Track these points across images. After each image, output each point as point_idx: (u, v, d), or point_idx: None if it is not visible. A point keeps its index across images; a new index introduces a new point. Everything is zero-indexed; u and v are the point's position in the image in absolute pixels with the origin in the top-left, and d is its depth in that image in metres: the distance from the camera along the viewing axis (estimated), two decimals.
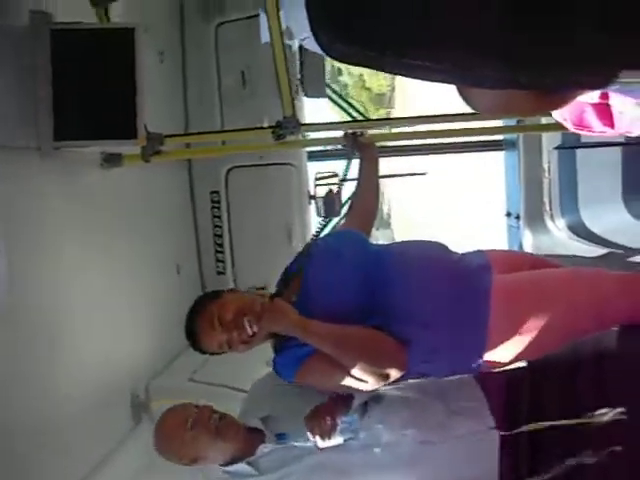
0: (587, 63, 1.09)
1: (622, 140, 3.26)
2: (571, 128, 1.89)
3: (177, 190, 4.07)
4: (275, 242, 4.11)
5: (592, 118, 1.82)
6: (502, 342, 2.14)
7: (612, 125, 1.82)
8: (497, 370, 2.40)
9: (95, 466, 2.67)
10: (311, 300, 2.23)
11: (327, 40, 1.15)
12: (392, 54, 1.12)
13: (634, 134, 1.86)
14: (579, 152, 3.80)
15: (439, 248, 2.38)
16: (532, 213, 4.35)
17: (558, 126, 2.07)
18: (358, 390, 2.20)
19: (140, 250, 3.31)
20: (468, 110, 1.77)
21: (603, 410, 2.87)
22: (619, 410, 2.53)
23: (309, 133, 3.24)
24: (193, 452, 2.22)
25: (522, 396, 2.34)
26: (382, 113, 24.77)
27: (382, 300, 2.19)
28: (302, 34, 3.48)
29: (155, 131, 2.91)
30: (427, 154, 4.97)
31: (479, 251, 2.41)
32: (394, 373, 2.13)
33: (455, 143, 4.87)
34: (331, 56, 1.22)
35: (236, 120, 3.90)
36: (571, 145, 3.92)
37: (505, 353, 2.17)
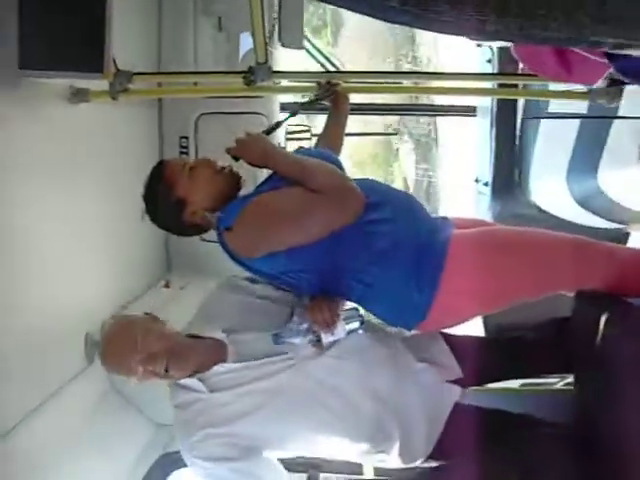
0: None
1: (585, 113, 3.23)
2: (525, 67, 1.84)
3: (146, 133, 3.98)
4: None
5: (548, 57, 1.76)
6: (454, 289, 2.14)
7: (569, 70, 1.76)
8: (461, 334, 2.45)
9: (43, 402, 2.65)
10: None
11: None
12: None
13: (591, 85, 1.81)
14: (543, 123, 3.76)
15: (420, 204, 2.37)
16: (500, 181, 4.35)
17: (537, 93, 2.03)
18: (308, 235, 2.11)
19: (104, 191, 3.25)
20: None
21: (554, 379, 2.97)
22: (567, 380, 2.60)
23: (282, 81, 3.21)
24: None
25: (482, 358, 2.39)
26: None
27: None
28: None
29: (126, 69, 2.86)
30: (401, 114, 4.94)
31: (444, 217, 2.42)
32: (354, 206, 2.09)
33: (429, 105, 4.85)
34: None
35: (210, 66, 3.83)
36: (535, 115, 3.89)
37: (459, 302, 2.18)
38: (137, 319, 2.21)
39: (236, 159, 2.28)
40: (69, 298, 2.90)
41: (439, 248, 2.16)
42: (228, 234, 2.17)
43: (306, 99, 3.04)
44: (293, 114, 2.79)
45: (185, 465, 2.29)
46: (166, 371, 2.09)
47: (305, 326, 2.13)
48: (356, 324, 2.17)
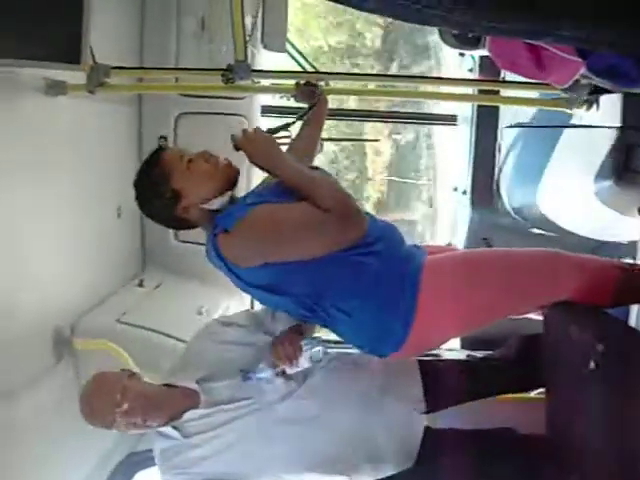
0: None
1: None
2: (500, 66, 1.84)
3: (125, 130, 3.95)
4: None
5: (521, 54, 1.74)
6: (431, 314, 2.14)
7: (541, 67, 1.76)
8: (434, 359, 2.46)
9: (7, 399, 2.61)
10: None
11: None
12: None
13: (563, 84, 1.81)
14: (541, 131, 3.73)
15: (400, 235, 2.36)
16: (479, 190, 4.34)
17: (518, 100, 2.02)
18: (306, 251, 2.08)
19: (81, 188, 3.22)
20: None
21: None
22: (541, 390, 2.60)
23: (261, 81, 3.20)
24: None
25: (456, 382, 2.39)
26: None
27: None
28: None
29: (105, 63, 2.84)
30: (381, 121, 4.93)
31: (416, 245, 2.40)
32: (358, 228, 2.07)
33: (410, 113, 4.85)
34: None
35: (190, 64, 3.81)
36: (526, 124, 3.88)
37: (435, 328, 2.19)
38: (115, 377, 2.19)
39: (237, 149, 2.19)
40: (41, 295, 2.85)
41: (413, 277, 2.15)
42: (224, 236, 2.10)
43: (284, 100, 3.01)
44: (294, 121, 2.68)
45: (152, 465, 2.31)
46: (144, 421, 2.15)
47: (271, 363, 2.21)
48: (319, 353, 2.22)
